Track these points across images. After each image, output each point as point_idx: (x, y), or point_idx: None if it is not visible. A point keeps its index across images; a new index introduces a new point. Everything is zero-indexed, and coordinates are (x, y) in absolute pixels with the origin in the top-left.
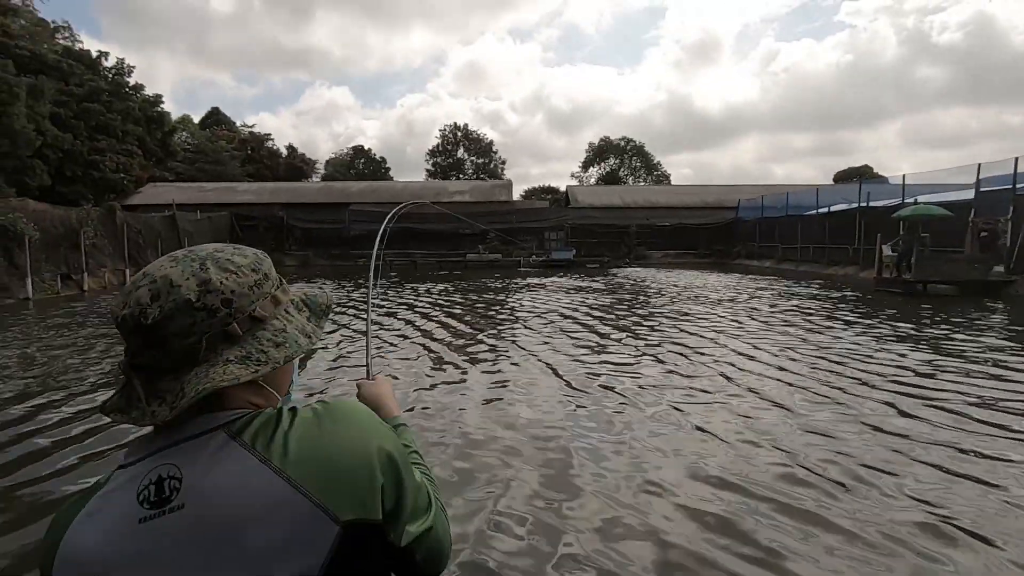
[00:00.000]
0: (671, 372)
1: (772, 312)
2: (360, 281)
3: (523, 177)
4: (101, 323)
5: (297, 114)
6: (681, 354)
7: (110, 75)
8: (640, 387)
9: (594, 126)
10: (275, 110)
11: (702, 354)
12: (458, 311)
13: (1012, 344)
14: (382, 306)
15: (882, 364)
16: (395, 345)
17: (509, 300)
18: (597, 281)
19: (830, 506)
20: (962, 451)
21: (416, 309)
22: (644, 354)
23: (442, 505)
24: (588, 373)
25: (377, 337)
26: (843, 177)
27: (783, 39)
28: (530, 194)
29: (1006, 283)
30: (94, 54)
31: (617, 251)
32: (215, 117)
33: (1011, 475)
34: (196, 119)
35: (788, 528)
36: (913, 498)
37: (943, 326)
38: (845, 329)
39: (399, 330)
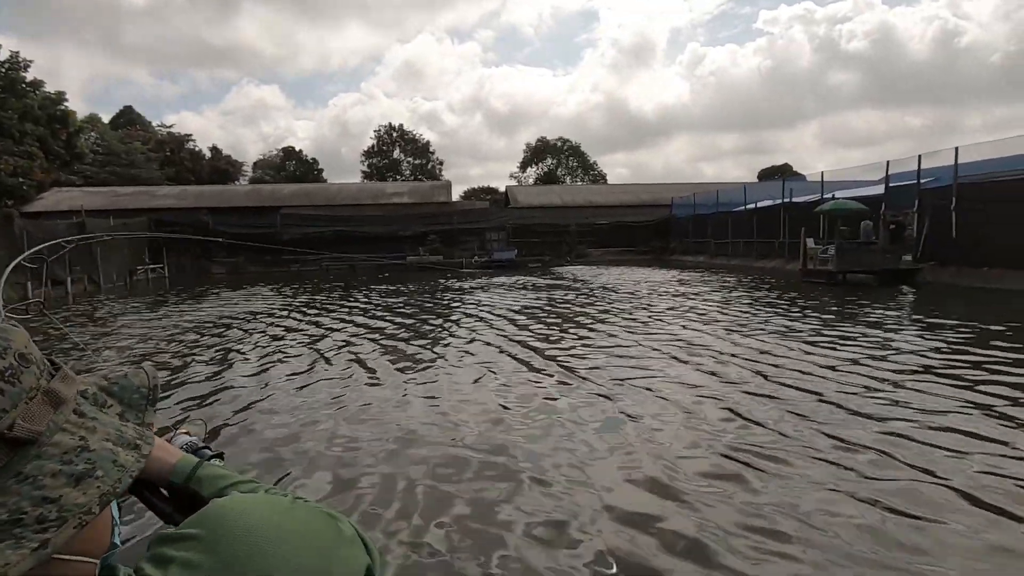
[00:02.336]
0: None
1: (711, 303)
2: (302, 287)
3: (462, 178)
4: None
5: (223, 114)
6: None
7: (3, 69)
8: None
9: (532, 127)
10: (198, 109)
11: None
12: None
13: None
14: (329, 310)
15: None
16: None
17: (457, 302)
18: (544, 279)
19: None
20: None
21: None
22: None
23: None
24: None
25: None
26: (767, 175)
27: (709, 44)
28: (470, 195)
29: (914, 271)
30: None
31: (558, 250)
32: (128, 116)
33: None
34: (107, 118)
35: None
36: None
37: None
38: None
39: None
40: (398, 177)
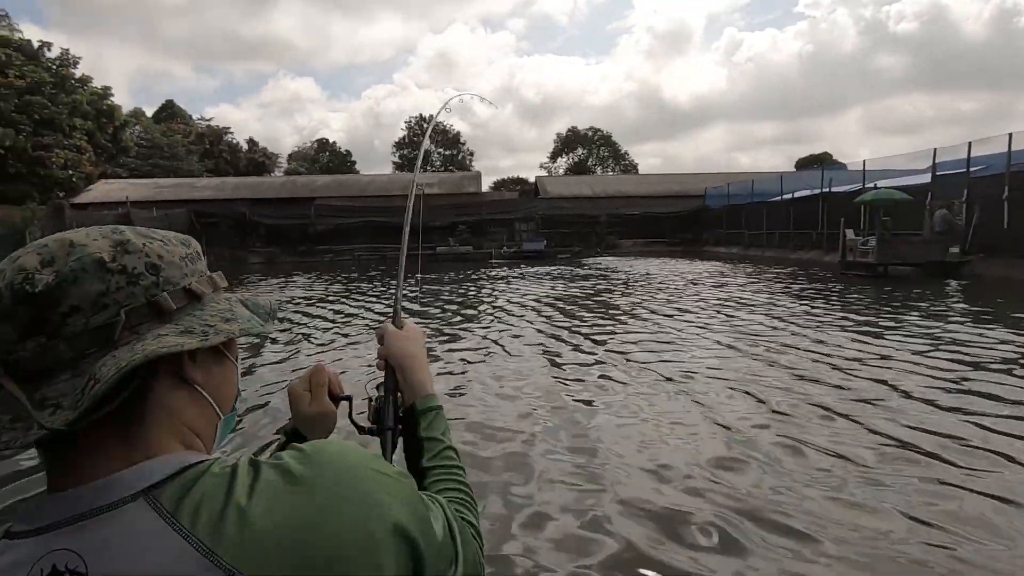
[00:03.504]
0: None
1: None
2: (347, 275)
3: (493, 169)
4: None
5: (260, 106)
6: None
7: (54, 66)
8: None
9: (564, 117)
10: (236, 102)
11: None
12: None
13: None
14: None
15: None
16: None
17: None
18: (576, 271)
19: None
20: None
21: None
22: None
23: (476, 529)
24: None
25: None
26: (804, 164)
27: (747, 29)
28: (499, 185)
29: (962, 263)
30: (35, 44)
31: (588, 241)
32: (169, 110)
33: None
34: (150, 112)
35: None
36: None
37: (897, 305)
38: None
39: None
40: (429, 168)
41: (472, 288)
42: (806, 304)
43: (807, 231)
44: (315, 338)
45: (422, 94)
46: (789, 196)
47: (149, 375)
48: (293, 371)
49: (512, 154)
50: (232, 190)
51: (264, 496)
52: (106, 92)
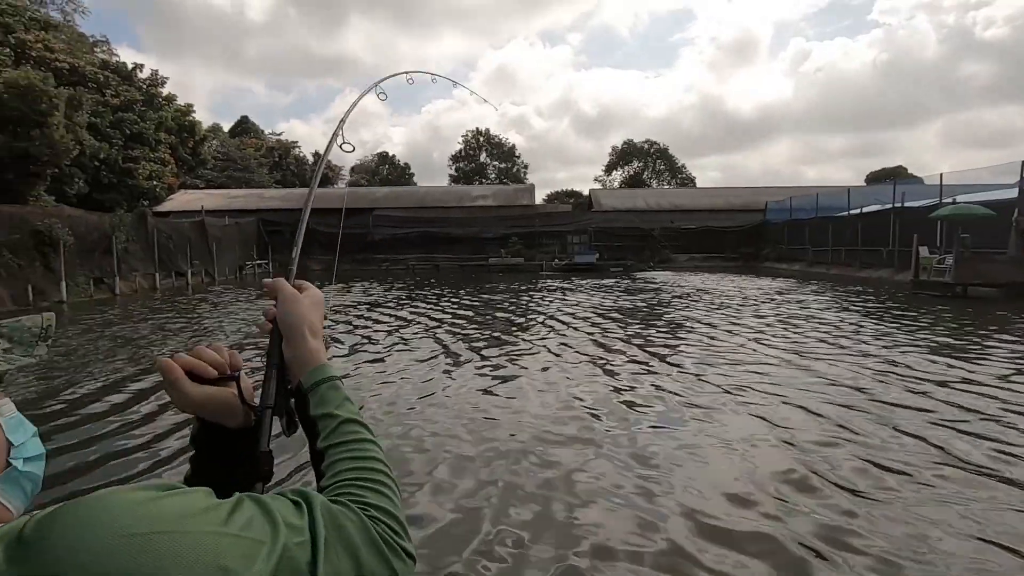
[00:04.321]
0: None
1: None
2: (394, 283)
3: (549, 181)
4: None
5: (327, 121)
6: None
7: (144, 86)
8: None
9: (621, 130)
10: (306, 117)
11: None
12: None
13: None
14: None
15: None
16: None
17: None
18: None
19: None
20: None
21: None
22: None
23: (382, 509)
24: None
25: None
26: (876, 178)
27: (816, 39)
28: (553, 198)
29: None
30: (129, 66)
31: (641, 254)
32: (244, 125)
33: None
34: (227, 127)
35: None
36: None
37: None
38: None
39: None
40: (484, 180)
41: (525, 298)
42: (877, 323)
43: (876, 248)
44: (376, 339)
45: (480, 108)
46: (857, 211)
47: None
48: (355, 368)
49: (568, 167)
50: (297, 200)
51: None
52: (188, 109)
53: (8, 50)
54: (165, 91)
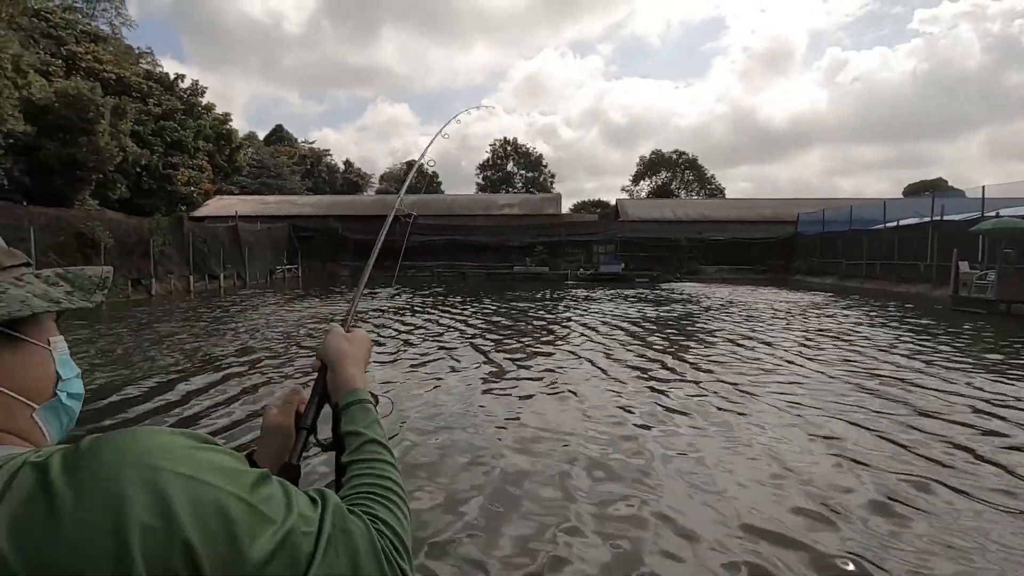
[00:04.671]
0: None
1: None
2: (415, 290)
3: (576, 191)
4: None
5: (358, 130)
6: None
7: (185, 95)
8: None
9: (651, 140)
10: (338, 126)
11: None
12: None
13: None
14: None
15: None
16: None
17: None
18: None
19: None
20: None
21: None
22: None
23: (387, 524)
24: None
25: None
26: (914, 191)
27: (853, 48)
28: (579, 208)
29: None
30: (171, 76)
31: (668, 265)
32: (278, 134)
33: None
34: (262, 135)
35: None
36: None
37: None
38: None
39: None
40: (510, 189)
41: (551, 306)
42: (916, 340)
43: (913, 263)
44: (414, 343)
45: (508, 118)
46: (894, 224)
47: None
48: (405, 372)
49: (596, 177)
50: (327, 207)
51: (9, 512)
52: (226, 118)
53: (60, 61)
54: (204, 100)
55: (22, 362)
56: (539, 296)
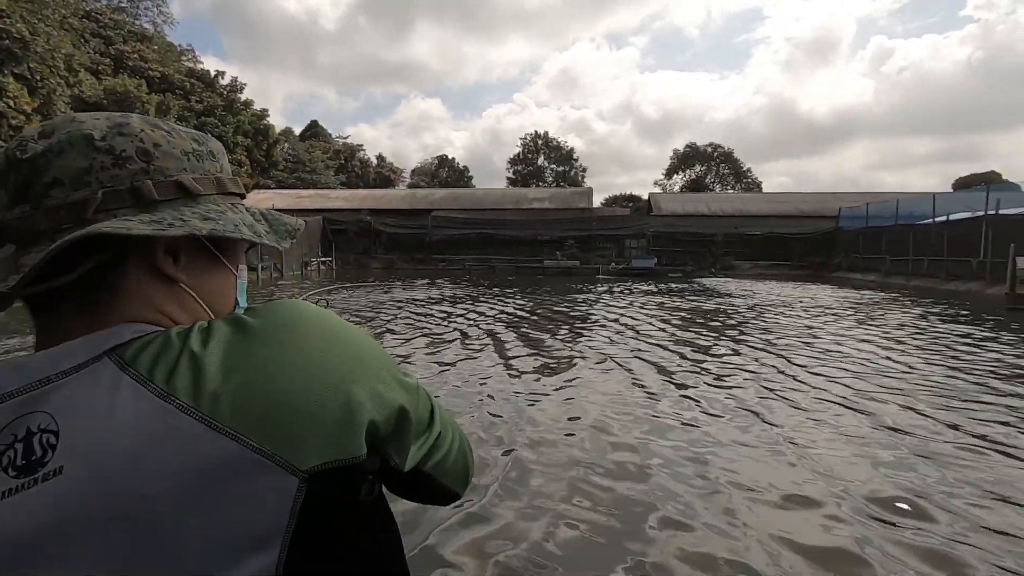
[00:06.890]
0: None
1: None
2: (450, 282)
3: (608, 186)
4: None
5: (392, 125)
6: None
7: (225, 92)
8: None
9: (686, 133)
10: (372, 121)
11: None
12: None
13: None
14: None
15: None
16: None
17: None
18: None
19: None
20: None
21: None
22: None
23: (468, 445)
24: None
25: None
26: (964, 184)
27: (901, 36)
28: (612, 202)
29: None
30: (212, 73)
31: (701, 260)
32: (313, 130)
33: None
34: (298, 131)
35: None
36: None
37: None
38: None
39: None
40: (541, 183)
41: (582, 301)
42: (973, 340)
43: (965, 259)
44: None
45: (540, 112)
46: (943, 219)
47: (115, 259)
48: (441, 365)
49: (629, 171)
50: (359, 201)
51: (217, 349)
52: (264, 114)
53: (109, 60)
54: (243, 96)
55: (215, 279)
56: (573, 289)
